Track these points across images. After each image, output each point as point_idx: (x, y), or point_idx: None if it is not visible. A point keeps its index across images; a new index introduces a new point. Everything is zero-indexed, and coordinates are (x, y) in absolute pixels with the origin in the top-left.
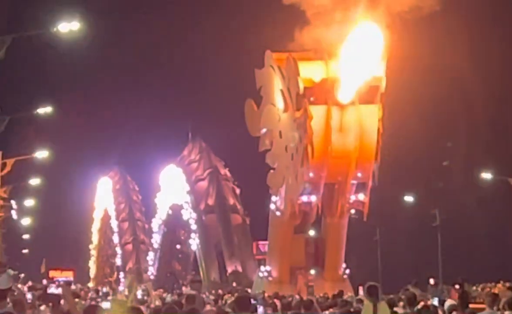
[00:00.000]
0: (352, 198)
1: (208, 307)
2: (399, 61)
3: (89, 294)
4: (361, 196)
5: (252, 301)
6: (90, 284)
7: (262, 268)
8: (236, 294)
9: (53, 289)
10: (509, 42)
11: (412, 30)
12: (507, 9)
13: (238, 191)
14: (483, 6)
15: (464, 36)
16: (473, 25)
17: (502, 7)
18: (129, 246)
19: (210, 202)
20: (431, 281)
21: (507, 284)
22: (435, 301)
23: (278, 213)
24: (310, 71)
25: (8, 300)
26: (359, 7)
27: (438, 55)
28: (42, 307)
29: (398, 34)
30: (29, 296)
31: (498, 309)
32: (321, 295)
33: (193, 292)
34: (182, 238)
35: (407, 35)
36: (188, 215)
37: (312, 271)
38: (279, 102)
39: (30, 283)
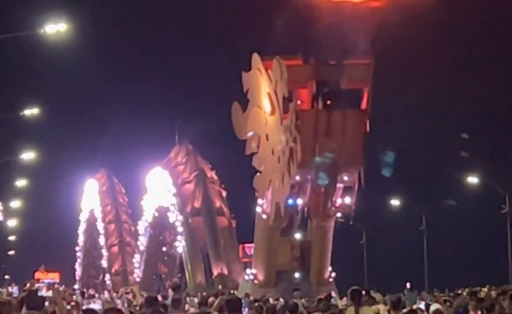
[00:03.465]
0: (339, 201)
1: (192, 310)
2: (386, 65)
3: (74, 297)
4: (347, 200)
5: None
6: (76, 286)
7: (248, 271)
8: (220, 297)
9: (43, 292)
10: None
11: (400, 35)
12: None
13: (224, 193)
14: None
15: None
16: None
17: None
18: (115, 248)
19: (197, 204)
20: (407, 285)
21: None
22: (422, 305)
23: (264, 216)
24: (297, 75)
25: None
26: (347, 12)
27: (425, 59)
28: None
29: (385, 39)
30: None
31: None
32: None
33: (177, 296)
34: (168, 240)
35: (395, 40)
36: (175, 217)
37: (298, 275)
38: (266, 105)
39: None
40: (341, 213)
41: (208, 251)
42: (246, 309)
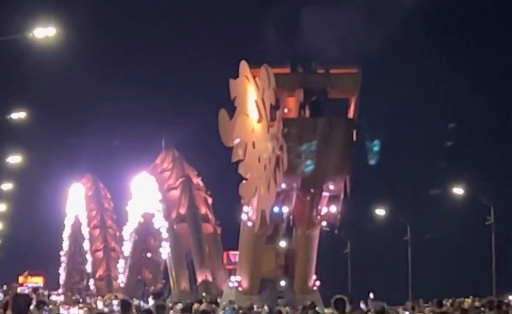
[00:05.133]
0: (324, 210)
1: None
2: (374, 74)
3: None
4: (333, 208)
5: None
6: (60, 291)
7: (233, 278)
8: (204, 304)
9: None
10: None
11: (387, 44)
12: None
13: (210, 200)
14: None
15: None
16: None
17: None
18: (100, 253)
19: (182, 210)
20: (371, 295)
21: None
22: None
23: (249, 224)
24: (284, 83)
25: None
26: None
27: (413, 71)
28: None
29: (372, 49)
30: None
31: None
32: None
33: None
34: (153, 246)
35: (381, 47)
36: (160, 223)
37: (282, 283)
38: (253, 113)
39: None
40: (327, 221)
41: (193, 258)
42: None
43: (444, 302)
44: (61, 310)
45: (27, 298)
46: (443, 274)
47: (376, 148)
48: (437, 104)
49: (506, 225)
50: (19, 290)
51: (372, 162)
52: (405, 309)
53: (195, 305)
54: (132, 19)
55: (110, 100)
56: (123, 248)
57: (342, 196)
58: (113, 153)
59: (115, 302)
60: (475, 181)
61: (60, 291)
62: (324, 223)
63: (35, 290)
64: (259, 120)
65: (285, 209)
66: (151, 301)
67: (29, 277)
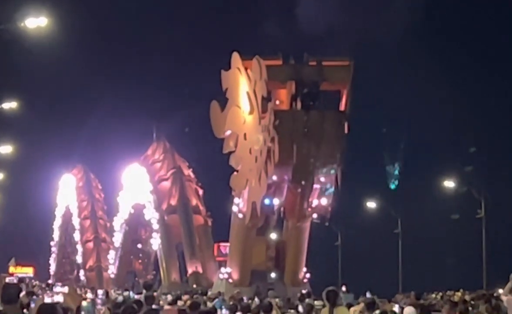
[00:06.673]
0: (315, 202)
1: (167, 307)
2: (365, 66)
3: (48, 292)
4: (323, 201)
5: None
6: (50, 281)
7: (223, 269)
8: (194, 296)
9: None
10: None
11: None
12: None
13: (201, 192)
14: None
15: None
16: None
17: None
18: (90, 244)
19: (173, 202)
20: (343, 288)
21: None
22: (395, 308)
23: (240, 215)
24: (276, 75)
25: None
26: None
27: (404, 65)
28: None
29: (364, 42)
30: None
31: None
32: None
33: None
34: (144, 237)
35: (373, 42)
36: (150, 214)
37: (273, 274)
38: (245, 105)
39: None
40: (317, 214)
41: (183, 249)
42: (223, 309)
43: (434, 295)
44: (46, 298)
45: (16, 288)
46: (434, 267)
47: (396, 172)
48: (431, 97)
49: (497, 218)
50: (7, 280)
51: (392, 186)
52: (395, 302)
53: (185, 297)
54: (124, 11)
55: (101, 91)
56: (113, 239)
57: (333, 188)
58: (104, 144)
59: (100, 291)
60: (466, 174)
61: (50, 281)
62: (315, 215)
63: (21, 280)
64: (251, 112)
65: (276, 201)
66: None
67: (18, 267)
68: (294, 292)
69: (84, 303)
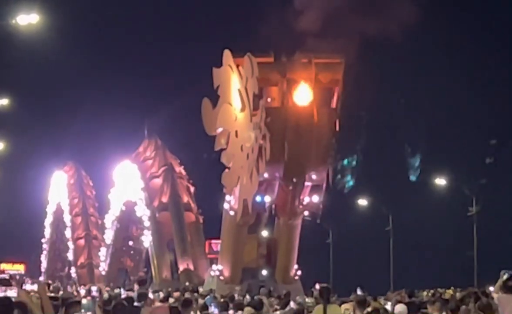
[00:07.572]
0: (306, 199)
1: (158, 304)
2: (356, 65)
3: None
4: (315, 198)
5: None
6: (41, 278)
7: (214, 267)
8: (185, 293)
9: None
10: None
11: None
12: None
13: (192, 189)
14: None
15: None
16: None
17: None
18: (81, 241)
19: (164, 199)
20: (317, 286)
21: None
22: (387, 306)
23: (231, 213)
24: (268, 72)
25: None
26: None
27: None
28: None
29: (356, 42)
30: None
31: None
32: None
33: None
34: (135, 234)
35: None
36: (142, 211)
37: (264, 272)
38: (236, 102)
39: None
40: (309, 211)
41: (175, 246)
42: (213, 306)
43: (425, 293)
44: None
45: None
46: (425, 264)
47: (417, 165)
48: (421, 95)
49: (488, 215)
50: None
51: (412, 178)
52: (387, 299)
53: (176, 294)
54: (116, 7)
55: (93, 88)
56: (105, 236)
57: (324, 185)
58: (96, 142)
59: (94, 287)
60: (458, 171)
61: (41, 278)
62: (306, 213)
63: (12, 277)
64: (242, 109)
65: (268, 198)
66: (136, 288)
67: (9, 264)
68: (286, 290)
69: (84, 301)
